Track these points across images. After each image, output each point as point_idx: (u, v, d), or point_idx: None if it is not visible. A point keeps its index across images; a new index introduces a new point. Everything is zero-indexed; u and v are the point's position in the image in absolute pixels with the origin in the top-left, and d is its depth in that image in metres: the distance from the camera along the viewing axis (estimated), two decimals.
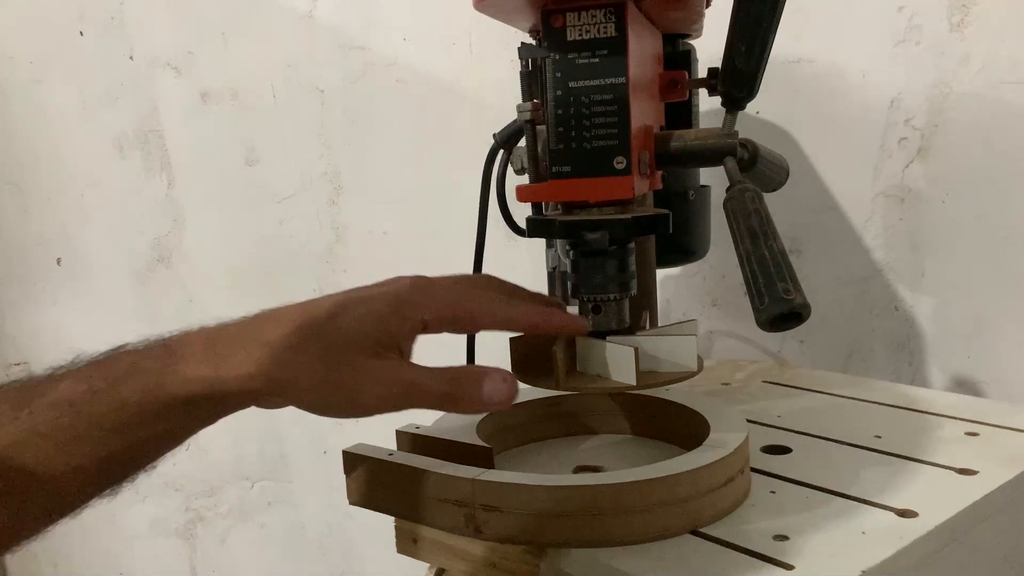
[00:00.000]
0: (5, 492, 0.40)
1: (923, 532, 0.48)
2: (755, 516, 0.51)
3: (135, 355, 0.43)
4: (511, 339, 0.58)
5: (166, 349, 0.43)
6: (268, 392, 0.42)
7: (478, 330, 0.49)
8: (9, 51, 1.53)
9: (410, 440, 0.58)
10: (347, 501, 0.57)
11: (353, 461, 0.56)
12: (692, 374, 0.55)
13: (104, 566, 1.63)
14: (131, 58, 1.39)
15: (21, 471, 0.40)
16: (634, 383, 0.53)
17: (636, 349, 0.53)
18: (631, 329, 0.58)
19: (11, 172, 1.59)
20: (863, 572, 0.44)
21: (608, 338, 0.55)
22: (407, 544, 0.57)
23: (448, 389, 0.44)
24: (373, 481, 0.55)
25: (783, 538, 0.48)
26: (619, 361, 0.54)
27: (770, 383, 0.80)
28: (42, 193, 1.57)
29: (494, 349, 0.71)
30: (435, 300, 0.46)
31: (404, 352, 0.45)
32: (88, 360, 0.43)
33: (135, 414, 0.41)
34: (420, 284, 0.46)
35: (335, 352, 0.42)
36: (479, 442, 0.56)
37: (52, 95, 1.50)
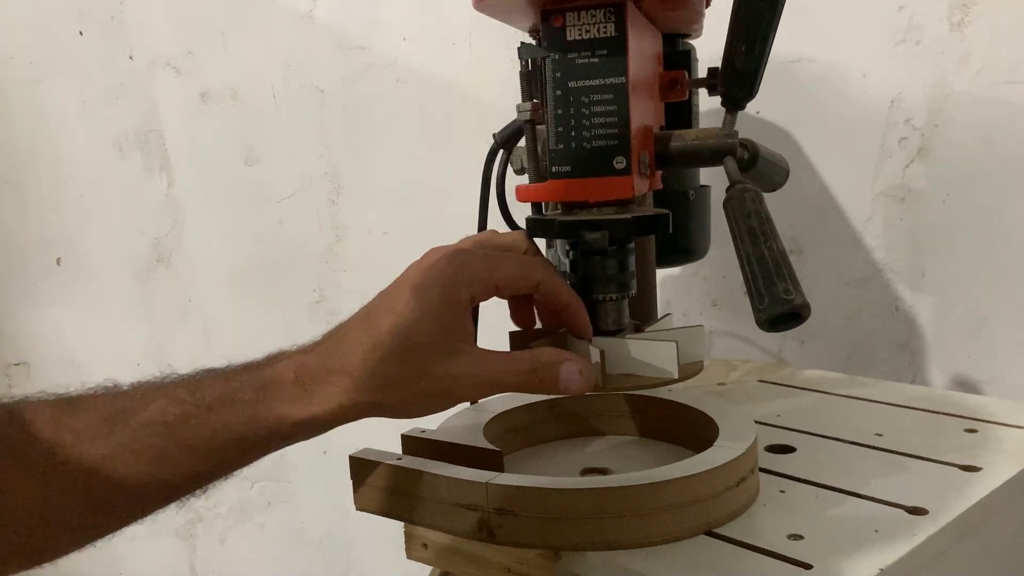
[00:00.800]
0: (95, 501, 0.42)
1: (935, 529, 0.48)
2: (767, 516, 0.52)
3: (226, 383, 0.45)
4: (511, 334, 0.58)
5: (258, 385, 0.45)
6: (361, 417, 0.45)
7: (516, 294, 0.51)
8: (9, 51, 1.53)
9: (416, 444, 0.58)
10: (352, 506, 0.56)
11: (360, 467, 0.55)
12: (673, 380, 0.54)
13: (104, 566, 1.63)
14: (131, 58, 1.39)
15: (111, 483, 0.42)
16: (597, 384, 0.53)
17: (602, 352, 0.53)
18: (639, 328, 0.58)
19: (11, 172, 1.59)
20: (881, 570, 0.44)
21: (594, 339, 0.55)
22: (417, 549, 0.56)
23: (527, 379, 0.46)
24: (382, 487, 0.54)
25: (798, 537, 0.48)
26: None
27: (766, 382, 0.80)
28: (42, 193, 1.57)
29: (493, 347, 0.71)
30: (477, 273, 0.47)
31: (469, 330, 0.47)
32: (177, 380, 0.45)
33: (228, 442, 0.44)
34: (457, 262, 0.47)
35: (413, 366, 0.44)
36: (488, 445, 0.56)
37: (52, 95, 1.50)
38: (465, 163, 0.81)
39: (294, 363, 0.45)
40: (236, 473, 0.47)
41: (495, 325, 0.58)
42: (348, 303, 1.28)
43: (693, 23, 0.66)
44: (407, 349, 0.44)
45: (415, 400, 0.45)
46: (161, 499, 0.44)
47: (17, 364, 1.70)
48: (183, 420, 0.43)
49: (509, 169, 0.66)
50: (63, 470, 0.41)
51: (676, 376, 0.54)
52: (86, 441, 0.42)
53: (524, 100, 0.57)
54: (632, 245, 0.56)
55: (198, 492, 0.46)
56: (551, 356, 0.47)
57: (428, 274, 0.46)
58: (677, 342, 0.53)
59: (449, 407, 0.46)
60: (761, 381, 0.80)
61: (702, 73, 0.63)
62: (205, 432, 0.43)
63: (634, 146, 0.52)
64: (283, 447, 0.46)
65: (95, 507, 0.42)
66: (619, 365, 0.55)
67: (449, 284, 0.45)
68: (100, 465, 0.42)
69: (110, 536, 0.44)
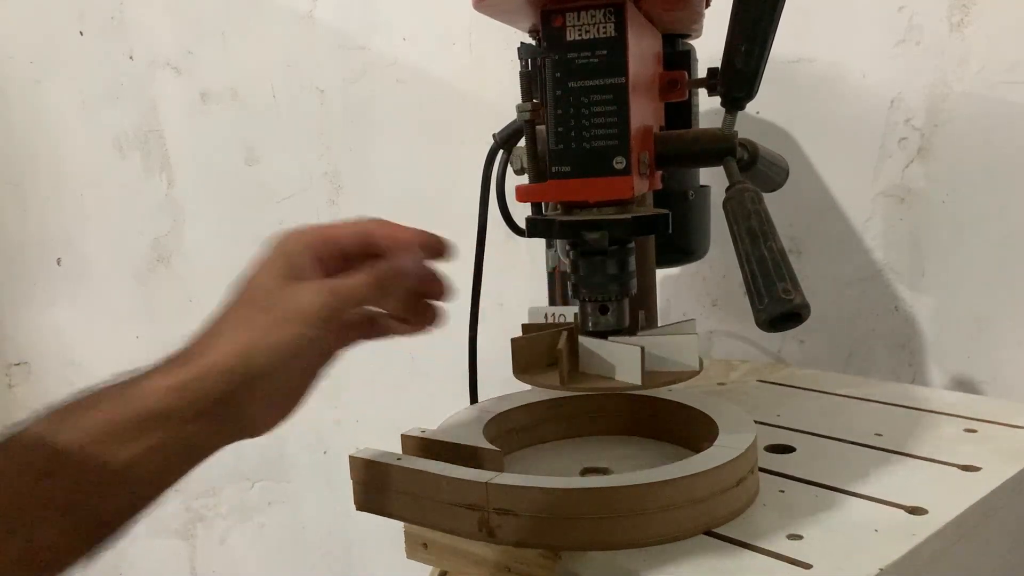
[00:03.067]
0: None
1: (935, 529, 0.48)
2: (767, 516, 0.52)
3: (104, 386, 0.44)
4: (512, 339, 0.58)
5: (132, 371, 0.44)
6: (234, 377, 0.43)
7: (357, 240, 0.50)
8: (9, 51, 1.53)
9: (416, 444, 0.58)
10: (352, 506, 0.56)
11: (360, 467, 0.55)
12: (695, 373, 0.55)
13: (104, 566, 1.63)
14: (131, 58, 1.39)
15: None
16: (639, 383, 0.53)
17: (642, 349, 0.53)
18: (632, 329, 0.58)
19: (11, 172, 1.59)
20: (880, 570, 0.44)
21: (611, 338, 0.55)
22: (417, 549, 0.56)
23: (370, 276, 0.47)
24: (381, 486, 0.54)
25: (797, 537, 0.48)
26: (624, 361, 0.54)
27: (765, 382, 0.80)
28: (42, 193, 1.57)
29: (493, 347, 0.71)
30: (304, 229, 0.49)
31: (312, 273, 0.47)
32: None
33: (106, 428, 0.41)
34: (287, 230, 0.49)
35: (262, 301, 0.45)
36: (488, 445, 0.56)
37: (52, 95, 1.50)
38: (465, 163, 0.81)
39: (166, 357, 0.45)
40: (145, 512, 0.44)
41: (497, 333, 0.59)
42: None
43: (693, 23, 0.66)
44: (254, 291, 0.46)
45: (275, 329, 0.44)
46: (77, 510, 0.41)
47: (17, 364, 1.70)
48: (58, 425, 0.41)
49: (509, 169, 0.66)
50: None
51: (698, 369, 0.54)
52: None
53: (524, 100, 0.57)
54: (632, 245, 0.56)
55: (112, 528, 0.43)
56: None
57: (263, 248, 0.48)
58: (697, 335, 0.54)
59: (308, 331, 0.44)
60: (761, 381, 0.80)
61: (702, 73, 0.63)
62: (87, 428, 0.41)
63: (634, 146, 0.52)
64: (164, 436, 0.42)
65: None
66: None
67: (279, 243, 0.48)
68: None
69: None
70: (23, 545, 0.39)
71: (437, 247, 0.50)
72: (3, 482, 0.39)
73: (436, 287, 0.50)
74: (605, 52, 0.51)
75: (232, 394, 0.43)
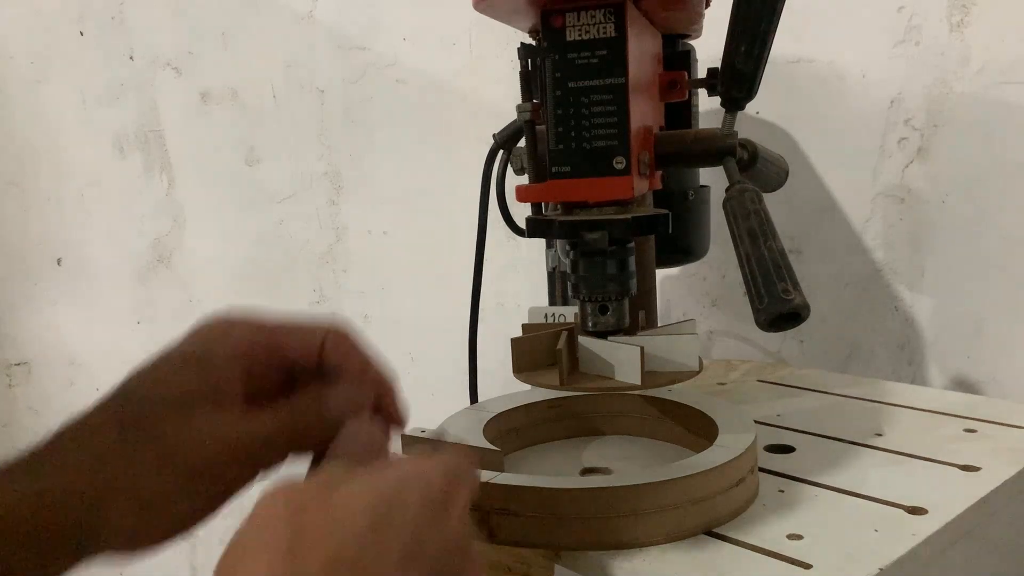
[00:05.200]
0: None
1: (935, 529, 0.48)
2: (766, 515, 0.52)
3: None
4: (512, 339, 0.58)
5: None
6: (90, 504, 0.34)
7: (288, 358, 0.39)
8: (9, 51, 1.53)
9: (416, 444, 0.58)
10: None
11: None
12: (694, 373, 0.55)
13: (105, 566, 1.63)
14: (131, 58, 1.39)
15: None
16: (638, 383, 0.53)
17: (642, 348, 0.53)
18: (632, 329, 0.58)
19: (11, 172, 1.59)
20: (880, 570, 0.44)
21: (610, 338, 0.55)
22: None
23: (291, 429, 0.37)
24: None
25: (797, 537, 0.48)
26: (623, 361, 0.54)
27: (765, 382, 0.80)
28: (42, 193, 1.57)
29: (493, 347, 0.71)
30: (238, 320, 0.38)
31: (225, 387, 0.36)
32: None
33: None
34: (216, 316, 0.38)
35: (137, 428, 0.34)
36: (488, 445, 0.56)
37: (52, 95, 1.50)
38: (465, 163, 0.81)
39: None
40: None
41: (497, 333, 0.58)
42: (348, 303, 1.28)
43: (693, 23, 0.66)
44: (132, 409, 0.34)
45: (144, 477, 0.33)
46: None
47: (17, 364, 1.70)
48: None
49: (509, 169, 0.66)
50: None
51: (698, 369, 0.54)
52: None
53: (524, 100, 0.57)
54: (632, 245, 0.56)
55: None
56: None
57: (186, 334, 0.37)
58: (697, 335, 0.54)
59: (191, 486, 0.36)
60: (761, 381, 0.80)
61: (702, 73, 0.63)
62: None
63: (634, 146, 0.52)
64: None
65: None
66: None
67: (203, 336, 0.36)
68: None
69: None
70: None
71: (394, 416, 0.40)
72: None
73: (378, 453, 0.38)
74: (605, 52, 0.51)
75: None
